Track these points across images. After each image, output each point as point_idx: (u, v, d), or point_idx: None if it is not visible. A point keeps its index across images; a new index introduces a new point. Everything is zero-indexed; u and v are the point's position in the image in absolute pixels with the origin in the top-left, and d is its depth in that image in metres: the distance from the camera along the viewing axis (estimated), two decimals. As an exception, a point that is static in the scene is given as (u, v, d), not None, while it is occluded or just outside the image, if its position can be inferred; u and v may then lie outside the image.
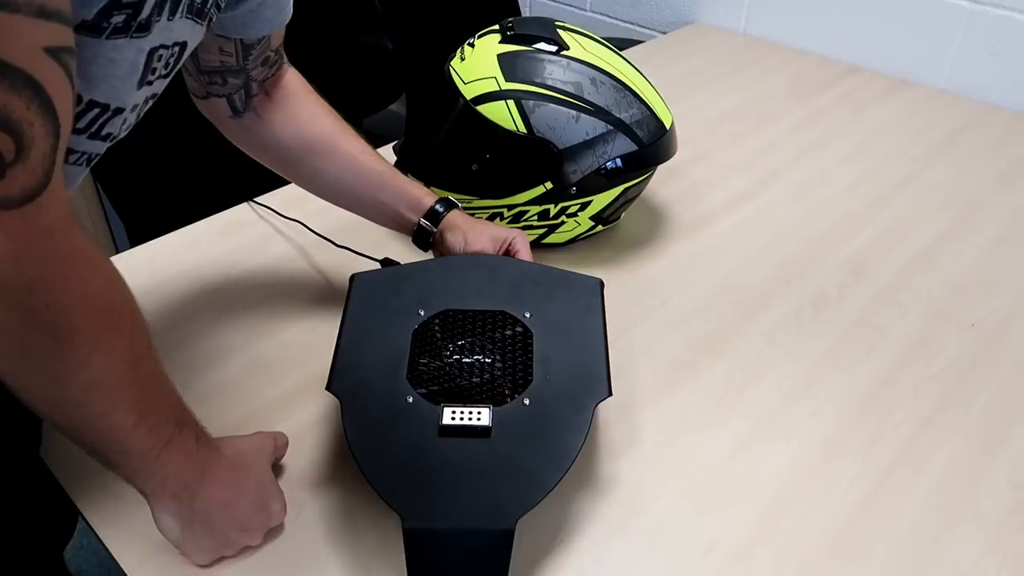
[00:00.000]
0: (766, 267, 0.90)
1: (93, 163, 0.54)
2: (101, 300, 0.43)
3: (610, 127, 0.82)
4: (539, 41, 0.84)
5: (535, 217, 0.87)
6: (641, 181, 0.89)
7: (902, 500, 0.64)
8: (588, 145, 0.82)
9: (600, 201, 0.86)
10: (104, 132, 0.51)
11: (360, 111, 1.55)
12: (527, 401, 0.58)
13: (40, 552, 0.73)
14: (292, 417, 0.70)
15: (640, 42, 1.52)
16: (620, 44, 0.96)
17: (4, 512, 0.66)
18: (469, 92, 0.83)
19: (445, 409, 0.57)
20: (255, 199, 0.99)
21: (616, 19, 1.70)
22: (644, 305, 0.84)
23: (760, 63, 1.41)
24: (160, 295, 0.84)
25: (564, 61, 0.83)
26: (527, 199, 0.85)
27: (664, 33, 1.60)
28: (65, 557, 1.19)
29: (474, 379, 0.60)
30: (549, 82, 0.81)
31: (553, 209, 0.86)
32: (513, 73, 0.82)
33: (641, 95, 0.84)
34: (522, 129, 0.81)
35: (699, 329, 0.81)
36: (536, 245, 0.80)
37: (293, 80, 0.75)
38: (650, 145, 0.85)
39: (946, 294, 0.86)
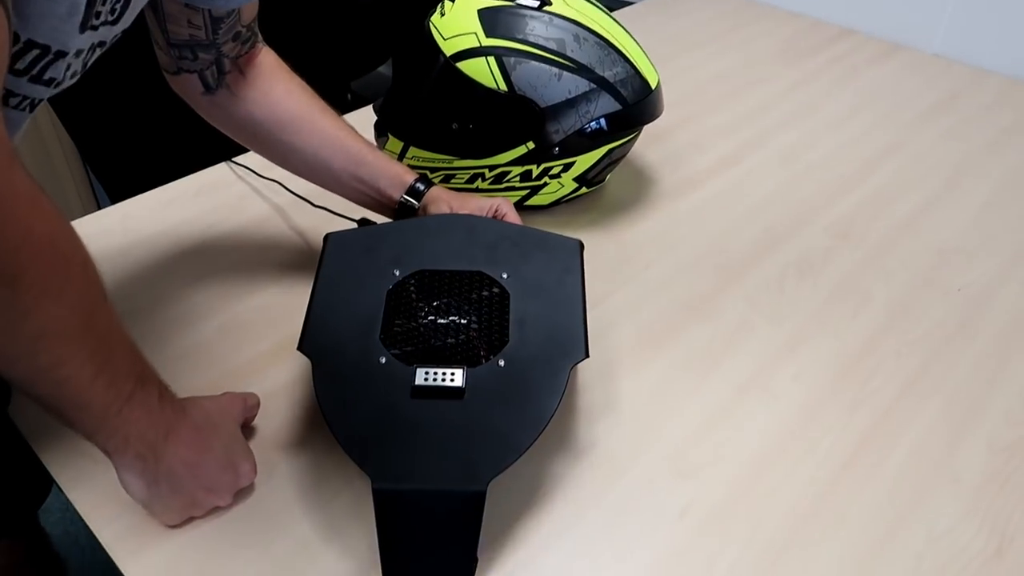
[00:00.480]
0: (751, 231, 0.89)
1: (36, 109, 0.52)
2: (47, 245, 0.41)
3: (593, 85, 0.80)
4: (522, -4, 0.81)
5: (517, 178, 0.85)
6: (626, 142, 0.87)
7: (881, 464, 0.63)
8: (571, 104, 0.80)
9: (584, 162, 0.85)
10: (47, 76, 0.49)
11: (347, 73, 1.52)
12: (502, 362, 0.57)
13: (12, 512, 0.72)
14: (266, 379, 0.69)
15: (631, 3, 1.49)
16: (610, 5, 0.94)
17: None
18: (449, 48, 0.80)
19: (418, 370, 0.56)
20: (233, 159, 0.97)
21: (607, -20, 1.66)
22: (627, 269, 0.83)
23: (752, 25, 1.38)
24: (135, 255, 0.82)
25: (547, 17, 0.80)
26: (509, 159, 0.83)
27: (655, -5, 1.56)
28: (51, 519, 1.18)
29: (449, 340, 0.59)
30: (531, 38, 0.79)
31: (536, 170, 0.84)
32: (494, 29, 0.80)
33: (626, 53, 0.82)
34: (503, 87, 0.79)
35: (682, 293, 0.80)
36: (519, 207, 0.79)
37: (268, 58, 0.73)
38: (634, 104, 0.83)
39: (932, 259, 0.85)
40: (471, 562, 0.54)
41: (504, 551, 0.57)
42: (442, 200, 0.72)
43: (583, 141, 0.83)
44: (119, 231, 0.86)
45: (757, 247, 0.87)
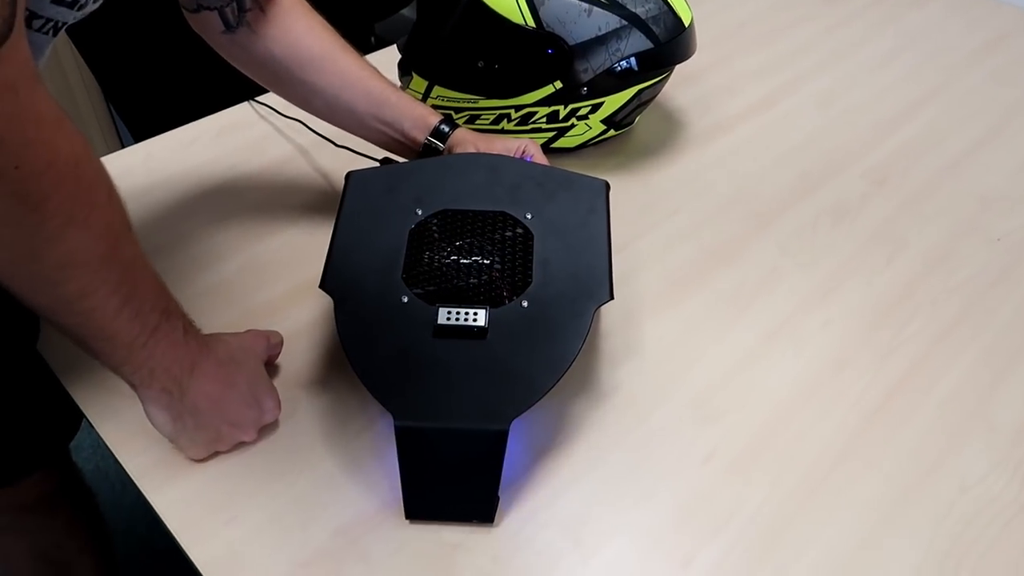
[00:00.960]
0: (784, 177, 0.86)
1: (59, 33, 0.51)
2: (72, 169, 0.41)
3: (624, 22, 0.77)
4: (551, -73, 0.78)
5: (544, 119, 0.83)
6: (656, 83, 0.84)
7: (911, 413, 0.62)
8: (600, 41, 0.78)
9: (612, 103, 0.82)
10: None
11: (371, 15, 1.49)
12: (525, 303, 0.56)
13: (45, 444, 0.73)
14: (287, 318, 0.68)
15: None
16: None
17: (2, 407, 0.66)
18: (475, -18, 0.78)
19: (440, 309, 0.55)
20: (256, 98, 0.96)
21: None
22: (654, 213, 0.81)
23: (790, -35, 1.33)
24: (157, 194, 0.82)
25: (577, -51, 0.77)
26: (535, 99, 0.81)
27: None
28: (83, 455, 1.21)
29: (471, 280, 0.58)
30: (560, -29, 0.76)
31: (563, 111, 0.82)
32: (522, -39, 0.77)
33: (659, -12, 0.79)
34: (531, 23, 0.77)
35: (710, 239, 0.78)
36: (545, 149, 0.77)
37: None
38: (667, 43, 0.80)
39: (973, 206, 0.82)
40: (492, 501, 0.54)
41: (524, 491, 0.57)
42: (468, 142, 0.71)
43: (612, 81, 0.80)
44: (142, 170, 0.85)
45: (790, 193, 0.84)
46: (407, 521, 0.54)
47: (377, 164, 0.77)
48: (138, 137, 1.13)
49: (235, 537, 0.54)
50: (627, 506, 0.56)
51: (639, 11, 0.78)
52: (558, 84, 0.80)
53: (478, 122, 0.85)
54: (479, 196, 0.63)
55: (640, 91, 0.83)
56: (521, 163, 0.67)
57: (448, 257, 0.59)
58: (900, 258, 0.76)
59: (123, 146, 0.97)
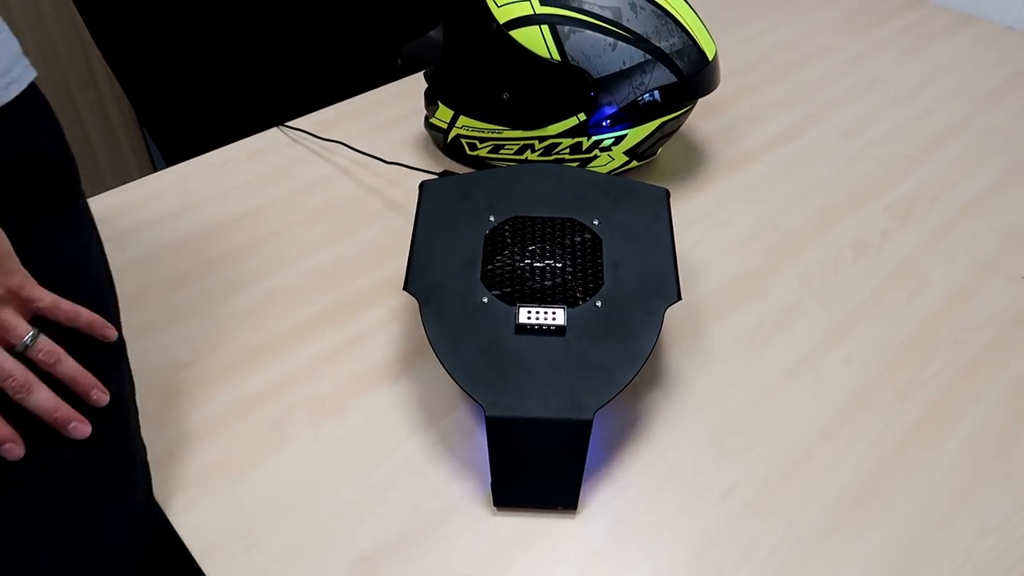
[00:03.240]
0: (806, 209, 0.87)
1: None
2: None
3: (649, 56, 0.78)
4: (578, -38, 0.79)
5: (567, 150, 0.84)
6: (680, 115, 0.85)
7: (931, 455, 0.62)
8: (625, 75, 0.79)
9: (635, 135, 0.83)
10: None
11: (397, 37, 1.51)
12: (599, 303, 0.60)
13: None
14: (314, 344, 0.70)
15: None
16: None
17: None
18: (502, 16, 0.79)
19: (521, 309, 0.59)
20: (286, 123, 0.98)
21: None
22: (676, 245, 0.82)
23: (816, -6, 1.33)
24: (190, 217, 0.84)
25: (603, -16, 0.78)
26: (559, 131, 0.82)
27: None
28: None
29: (546, 282, 0.62)
30: (586, 6, 0.77)
31: (586, 142, 0.83)
32: (549, -4, 0.78)
33: (683, 23, 0.80)
34: (556, 56, 0.78)
35: (731, 271, 0.78)
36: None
37: None
38: (691, 77, 0.81)
39: (996, 244, 0.82)
40: (576, 487, 0.56)
41: (600, 479, 0.59)
42: None
43: (636, 114, 0.81)
44: (174, 192, 0.87)
45: (811, 226, 0.84)
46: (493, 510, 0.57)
47: (437, 176, 0.79)
48: (170, 160, 1.16)
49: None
50: (642, 543, 0.56)
51: (663, 45, 0.79)
52: (582, 116, 0.81)
53: (502, 152, 0.86)
54: (548, 203, 0.67)
55: (663, 123, 0.84)
56: (585, 172, 0.70)
57: (522, 260, 0.63)
58: (921, 296, 0.76)
59: (155, 169, 0.99)
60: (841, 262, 0.80)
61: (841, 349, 0.70)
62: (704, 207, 0.87)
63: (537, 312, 0.59)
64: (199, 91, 1.20)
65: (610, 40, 0.78)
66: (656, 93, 0.80)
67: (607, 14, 0.78)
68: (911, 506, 0.58)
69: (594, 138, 0.83)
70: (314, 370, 0.67)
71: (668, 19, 0.79)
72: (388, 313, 0.73)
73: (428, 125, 0.92)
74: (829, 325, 0.73)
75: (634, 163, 0.88)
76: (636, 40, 0.78)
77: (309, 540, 0.55)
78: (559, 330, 0.59)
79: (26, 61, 0.48)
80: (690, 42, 0.81)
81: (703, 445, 0.62)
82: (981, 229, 0.84)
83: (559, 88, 0.80)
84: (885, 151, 0.96)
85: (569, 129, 0.82)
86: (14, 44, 0.48)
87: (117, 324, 0.54)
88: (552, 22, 0.78)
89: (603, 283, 0.61)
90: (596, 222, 0.66)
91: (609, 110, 0.80)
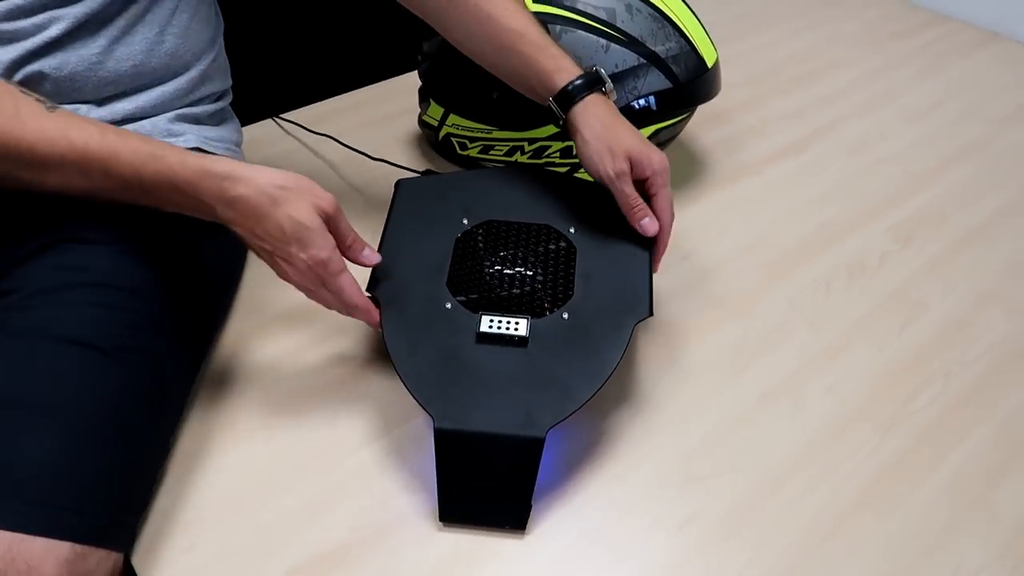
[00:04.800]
0: (804, 226, 0.83)
1: None
2: None
3: (642, 60, 0.76)
4: (575, -39, 0.77)
5: (557, 154, 0.82)
6: (676, 123, 0.82)
7: (909, 493, 0.59)
8: (617, 79, 0.76)
9: (628, 141, 0.80)
10: None
11: (418, 33, 1.49)
12: (566, 315, 0.58)
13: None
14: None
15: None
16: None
17: None
18: (494, 12, 0.77)
19: (483, 317, 0.57)
20: (280, 115, 0.96)
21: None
22: (664, 257, 0.79)
23: (838, 5, 1.30)
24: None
25: (600, -16, 0.76)
26: (548, 134, 0.80)
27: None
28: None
29: (514, 290, 0.60)
30: (579, 6, 0.75)
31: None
32: (543, -6, 0.76)
33: (682, 27, 0.77)
34: (547, 57, 0.75)
35: (718, 287, 0.76)
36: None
37: None
38: (687, 83, 0.78)
39: (999, 273, 0.78)
40: (526, 507, 0.54)
41: (555, 498, 0.57)
42: (589, 128, 0.61)
43: (630, 119, 0.78)
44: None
45: (808, 244, 0.81)
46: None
47: (419, 175, 0.77)
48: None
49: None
50: (591, 570, 0.54)
51: (659, 49, 0.76)
52: (573, 119, 0.78)
53: (492, 152, 0.84)
54: (526, 208, 0.65)
55: (658, 131, 0.81)
56: (568, 177, 0.68)
57: (492, 267, 0.61)
58: (916, 324, 0.72)
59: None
60: (834, 284, 0.76)
61: (824, 376, 0.67)
62: (698, 219, 0.84)
63: (500, 321, 0.57)
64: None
65: (603, 41, 0.75)
66: (651, 98, 0.77)
67: (601, 14, 0.75)
68: (884, 545, 0.55)
69: (584, 143, 0.80)
70: (275, 370, 0.65)
71: (665, 22, 0.77)
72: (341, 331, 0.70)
73: (421, 123, 0.90)
74: (815, 350, 0.70)
75: (626, 170, 0.85)
76: (630, 43, 0.75)
77: (247, 547, 0.54)
78: (521, 341, 0.56)
79: None
80: (688, 47, 0.78)
81: (667, 469, 0.60)
82: (986, 257, 0.80)
83: (549, 89, 0.77)
84: (893, 169, 0.92)
85: (558, 132, 0.79)
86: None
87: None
88: (544, 21, 0.75)
89: (572, 294, 0.59)
90: (572, 230, 0.63)
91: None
